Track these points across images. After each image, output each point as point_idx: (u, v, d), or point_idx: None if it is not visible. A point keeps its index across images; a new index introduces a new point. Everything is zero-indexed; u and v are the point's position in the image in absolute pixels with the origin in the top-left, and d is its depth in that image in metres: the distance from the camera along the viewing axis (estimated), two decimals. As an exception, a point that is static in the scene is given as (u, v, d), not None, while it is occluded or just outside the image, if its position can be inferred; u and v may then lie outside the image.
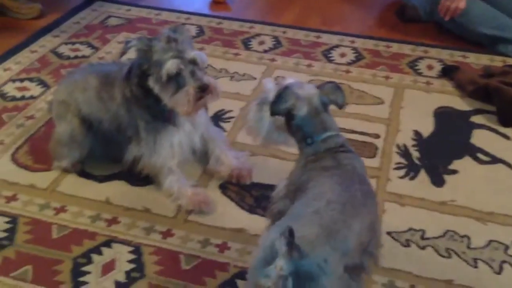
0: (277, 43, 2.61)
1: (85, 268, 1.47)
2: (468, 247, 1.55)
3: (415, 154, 1.90)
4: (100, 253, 1.52)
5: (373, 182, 1.77)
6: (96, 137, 1.74)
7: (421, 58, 2.50)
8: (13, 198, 1.70)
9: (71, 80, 1.78)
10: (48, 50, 2.51)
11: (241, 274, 1.45)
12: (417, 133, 2.00)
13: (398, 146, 1.93)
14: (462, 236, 1.59)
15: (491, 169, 1.85)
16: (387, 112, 2.11)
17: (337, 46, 2.60)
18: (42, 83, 2.27)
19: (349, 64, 2.45)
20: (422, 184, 1.78)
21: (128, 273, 1.46)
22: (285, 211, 1.25)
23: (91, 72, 1.76)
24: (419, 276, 1.47)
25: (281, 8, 3.02)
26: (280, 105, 1.29)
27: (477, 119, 2.09)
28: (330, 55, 2.52)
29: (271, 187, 1.72)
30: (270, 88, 1.36)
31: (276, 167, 1.84)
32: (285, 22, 2.84)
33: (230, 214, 1.66)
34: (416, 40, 2.66)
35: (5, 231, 1.58)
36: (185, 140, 1.70)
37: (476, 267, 1.50)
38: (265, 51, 2.54)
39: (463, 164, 1.86)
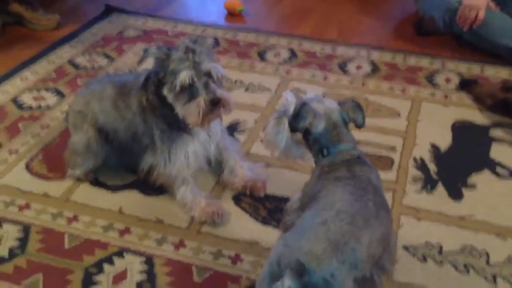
0: (293, 55, 2.61)
1: (96, 278, 1.46)
2: (487, 263, 1.51)
3: (432, 167, 1.87)
4: (111, 263, 1.50)
5: (389, 195, 1.74)
6: (111, 147, 1.74)
7: (438, 71, 2.47)
8: (26, 206, 1.69)
9: (88, 90, 1.79)
10: (65, 60, 2.53)
11: (254, 287, 1.43)
12: (434, 147, 1.97)
13: (415, 159, 1.90)
14: (481, 252, 1.55)
15: (510, 184, 1.81)
16: (403, 125, 2.08)
17: (353, 58, 2.58)
18: (58, 93, 2.28)
19: (365, 76, 2.43)
20: (439, 198, 1.74)
21: (139, 284, 1.44)
22: None
23: (107, 82, 1.77)
24: (436, 292, 1.43)
25: (297, 20, 3.02)
26: (298, 123, 1.29)
27: (496, 133, 2.05)
28: (346, 67, 2.50)
29: (285, 199, 1.71)
30: (290, 101, 1.36)
31: (291, 179, 1.82)
32: (301, 34, 2.83)
33: (243, 226, 1.64)
34: (434, 53, 2.63)
35: (17, 239, 1.58)
36: (200, 149, 1.69)
37: (495, 283, 1.46)
38: (281, 63, 2.53)
39: (482, 178, 1.82)
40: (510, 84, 2.25)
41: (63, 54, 2.59)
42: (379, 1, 3.27)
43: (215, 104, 1.52)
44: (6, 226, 1.62)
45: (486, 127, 2.09)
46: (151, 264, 1.50)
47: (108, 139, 1.73)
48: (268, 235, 1.59)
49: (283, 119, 1.36)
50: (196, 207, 1.65)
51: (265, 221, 1.65)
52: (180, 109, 1.55)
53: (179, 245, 1.56)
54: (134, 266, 1.49)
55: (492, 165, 1.88)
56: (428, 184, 1.80)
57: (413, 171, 1.85)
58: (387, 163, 1.89)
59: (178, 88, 1.51)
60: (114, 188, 1.77)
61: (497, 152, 1.95)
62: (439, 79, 2.41)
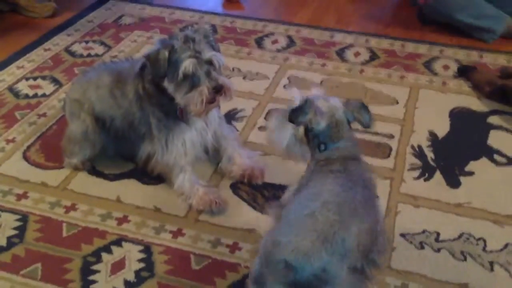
0: (291, 42, 2.59)
1: (94, 267, 1.46)
2: (484, 250, 1.52)
3: (430, 155, 1.87)
4: (110, 251, 1.51)
5: (387, 183, 1.74)
6: (108, 135, 1.74)
7: (437, 58, 2.46)
8: (24, 195, 1.69)
9: (85, 78, 1.78)
10: (62, 48, 2.51)
11: (252, 275, 1.44)
12: (432, 134, 1.97)
13: (412, 147, 1.90)
14: (478, 239, 1.55)
15: (508, 171, 1.81)
16: (401, 112, 2.08)
17: (351, 45, 2.57)
18: (55, 81, 2.27)
19: (363, 63, 2.42)
20: (437, 185, 1.74)
21: (137, 272, 1.45)
22: None
23: (104, 70, 1.76)
24: (433, 279, 1.43)
25: (295, 7, 3.00)
26: (297, 116, 1.28)
27: (494, 120, 2.05)
28: (344, 54, 2.49)
29: (283, 187, 1.71)
30: (296, 98, 1.35)
31: (288, 167, 1.81)
32: (299, 21, 2.81)
33: (241, 214, 1.64)
34: (432, 40, 2.62)
35: (15, 228, 1.58)
36: (197, 138, 1.69)
37: (492, 270, 1.46)
38: (279, 50, 2.52)
39: (480, 166, 1.82)
40: (508, 71, 2.24)
41: (60, 42, 2.57)
42: (378, -13, 3.24)
43: (218, 92, 1.53)
44: (4, 215, 1.62)
45: (484, 114, 2.08)
46: (149, 252, 1.50)
47: (105, 127, 1.72)
48: (266, 223, 1.59)
49: (287, 115, 1.34)
50: (194, 196, 1.65)
51: (263, 209, 1.65)
52: (181, 99, 1.55)
53: (177, 233, 1.57)
54: (132, 255, 1.50)
55: (490, 152, 1.88)
56: (426, 171, 1.80)
57: (411, 159, 1.85)
58: (385, 150, 1.89)
59: (180, 77, 1.50)
60: (112, 177, 1.77)
61: (495, 139, 1.94)
62: (438, 66, 2.40)
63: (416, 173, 1.79)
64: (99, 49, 2.51)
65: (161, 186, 1.73)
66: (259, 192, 1.71)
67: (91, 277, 1.43)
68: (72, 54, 2.47)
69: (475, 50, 2.52)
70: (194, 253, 1.50)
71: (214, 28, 2.69)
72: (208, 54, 1.53)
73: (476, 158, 1.85)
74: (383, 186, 1.73)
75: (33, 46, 2.52)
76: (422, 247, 1.52)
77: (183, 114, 1.62)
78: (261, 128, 1.99)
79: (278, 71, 2.34)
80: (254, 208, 1.65)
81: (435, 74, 2.34)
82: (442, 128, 2.00)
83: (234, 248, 1.52)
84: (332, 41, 2.60)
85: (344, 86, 2.23)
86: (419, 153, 1.87)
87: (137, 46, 2.53)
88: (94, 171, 1.78)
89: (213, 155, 1.80)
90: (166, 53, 1.51)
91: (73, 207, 1.65)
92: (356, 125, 1.34)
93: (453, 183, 1.75)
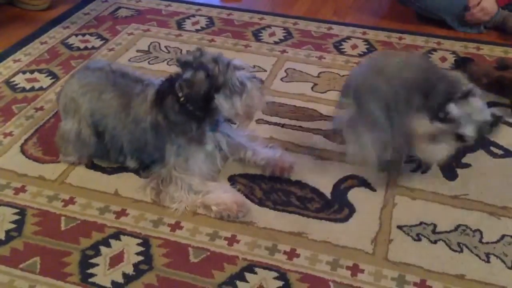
0: (288, 34, 2.59)
1: (93, 260, 1.46)
2: (480, 242, 1.53)
3: (427, 147, 1.87)
4: (108, 245, 1.51)
5: (383, 174, 1.74)
6: (105, 145, 1.72)
7: (434, 50, 2.46)
8: (21, 189, 1.69)
9: (86, 79, 1.73)
10: (58, 41, 2.51)
11: (250, 268, 1.44)
12: (429, 126, 1.97)
13: (409, 139, 1.91)
14: (474, 231, 1.56)
15: (504, 162, 1.82)
16: (398, 104, 2.08)
17: (348, 37, 2.56)
18: (51, 74, 2.26)
19: (360, 56, 2.42)
20: (434, 177, 1.75)
21: (136, 265, 1.45)
22: None
23: (108, 81, 1.70)
24: (430, 270, 1.44)
25: (292, -1, 2.99)
26: None
27: (491, 111, 2.05)
28: (341, 46, 2.49)
29: (281, 180, 1.72)
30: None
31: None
32: (296, 13, 2.81)
33: (239, 206, 1.64)
34: (429, 32, 2.62)
35: (13, 222, 1.58)
36: (210, 160, 1.70)
37: (488, 262, 1.47)
38: (276, 43, 2.51)
39: (476, 158, 1.83)
40: (505, 62, 2.24)
41: (56, 34, 2.56)
42: (375, -21, 3.23)
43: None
44: (2, 209, 1.62)
45: (481, 106, 2.08)
46: (147, 245, 1.51)
47: (103, 137, 1.70)
48: (264, 215, 1.60)
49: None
50: (220, 206, 1.60)
51: (261, 202, 1.65)
52: (241, 107, 1.59)
53: (176, 226, 1.57)
54: (130, 248, 1.50)
55: (486, 145, 1.89)
56: (423, 163, 1.80)
57: (408, 151, 1.86)
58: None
59: (238, 86, 1.57)
60: (110, 171, 1.76)
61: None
62: (435, 58, 2.40)
63: (413, 165, 1.79)
64: (96, 42, 2.50)
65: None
66: (257, 185, 1.71)
67: (90, 271, 1.44)
68: (69, 47, 2.46)
69: (472, 42, 2.52)
70: (192, 246, 1.51)
71: (211, 20, 2.69)
72: (237, 63, 1.60)
73: (473, 150, 1.86)
74: (380, 178, 1.73)
75: (30, 39, 2.51)
76: (419, 239, 1.53)
77: (203, 138, 1.65)
78: (258, 121, 1.99)
79: (276, 64, 2.34)
80: (252, 200, 1.66)
81: (432, 66, 2.34)
82: (439, 120, 2.00)
83: (232, 240, 1.53)
84: (329, 33, 2.60)
85: (342, 78, 2.23)
86: (416, 145, 1.88)
87: (134, 39, 2.52)
88: (92, 165, 1.78)
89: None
90: (202, 75, 1.54)
91: (71, 201, 1.65)
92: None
93: (450, 175, 1.76)
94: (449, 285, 1.41)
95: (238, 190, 1.69)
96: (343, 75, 2.25)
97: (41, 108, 2.05)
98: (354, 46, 2.49)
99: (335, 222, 1.59)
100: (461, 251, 1.50)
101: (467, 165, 1.80)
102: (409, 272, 1.44)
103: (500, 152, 1.86)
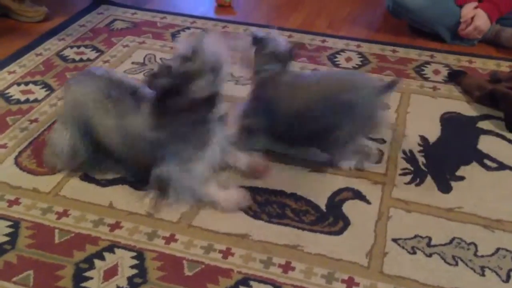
0: (283, 47, 2.60)
1: (87, 274, 1.45)
2: (475, 255, 1.53)
3: (421, 159, 1.88)
4: (102, 258, 1.50)
5: (378, 188, 1.75)
6: (103, 156, 1.73)
7: (427, 63, 2.48)
8: (15, 202, 1.68)
9: (86, 88, 1.71)
10: (53, 53, 2.51)
11: (245, 281, 1.44)
12: (423, 139, 1.98)
13: (404, 152, 1.91)
14: (469, 244, 1.56)
15: (498, 175, 1.83)
16: (393, 117, 2.09)
17: (342, 50, 2.58)
18: (46, 86, 2.26)
19: (355, 68, 2.43)
20: (428, 190, 1.76)
21: (130, 278, 1.44)
22: None
23: (108, 96, 1.67)
24: (425, 284, 1.44)
25: (287, 12, 3.01)
26: None
27: (484, 124, 2.07)
28: (335, 59, 2.50)
29: (276, 192, 1.72)
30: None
31: (280, 172, 1.82)
32: (291, 26, 2.83)
33: (234, 219, 1.64)
34: (423, 45, 2.64)
35: (7, 235, 1.57)
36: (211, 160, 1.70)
37: (483, 275, 1.48)
38: (271, 55, 2.52)
39: (470, 171, 1.84)
40: (497, 75, 2.26)
41: (51, 46, 2.56)
42: (369, -8, 3.27)
43: None
44: (-4, 222, 1.61)
45: (474, 118, 2.10)
46: (142, 258, 1.50)
47: (102, 150, 1.71)
48: (259, 228, 1.60)
49: None
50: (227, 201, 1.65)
51: (256, 215, 1.65)
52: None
53: (170, 239, 1.56)
54: (125, 261, 1.49)
55: (480, 157, 1.90)
56: (417, 176, 1.81)
57: (403, 163, 1.86)
58: (377, 155, 1.90)
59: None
60: (105, 183, 1.76)
61: (485, 144, 1.96)
62: (428, 71, 2.42)
63: (408, 178, 1.80)
64: (91, 54, 2.50)
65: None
66: (252, 197, 1.71)
67: (84, 284, 1.43)
68: (64, 59, 2.46)
69: (465, 55, 2.55)
70: (187, 259, 1.50)
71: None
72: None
73: (467, 163, 1.87)
74: (375, 191, 1.74)
75: (25, 51, 2.51)
76: (414, 252, 1.53)
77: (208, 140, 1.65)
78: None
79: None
80: (247, 213, 1.66)
81: (426, 79, 2.36)
82: (433, 133, 2.01)
83: (227, 253, 1.52)
84: (323, 46, 2.62)
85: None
86: (410, 158, 1.89)
87: (129, 51, 2.53)
88: (86, 177, 1.78)
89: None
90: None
91: (65, 213, 1.64)
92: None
93: (444, 188, 1.77)
94: (444, 298, 1.41)
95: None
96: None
97: (36, 120, 2.04)
98: (349, 59, 2.51)
99: (330, 234, 1.59)
100: (456, 264, 1.50)
101: (462, 178, 1.80)
102: (404, 286, 1.44)
103: (494, 165, 1.87)
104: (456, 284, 1.44)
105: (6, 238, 1.56)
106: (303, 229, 1.60)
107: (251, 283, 1.43)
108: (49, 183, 1.75)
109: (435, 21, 2.63)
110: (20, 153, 1.88)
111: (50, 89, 2.24)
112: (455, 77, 2.33)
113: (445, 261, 1.51)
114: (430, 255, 1.53)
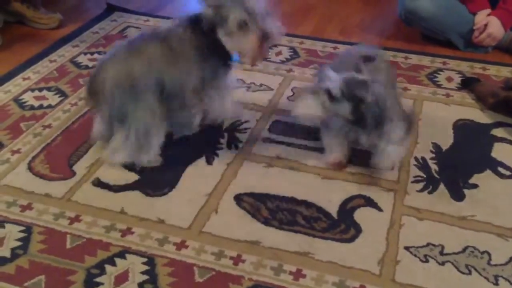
0: (294, 53, 2.60)
1: (98, 279, 1.46)
2: (489, 264, 1.51)
3: (434, 167, 1.87)
4: (113, 264, 1.51)
5: (390, 195, 1.74)
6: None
7: (440, 70, 2.47)
8: (28, 207, 1.70)
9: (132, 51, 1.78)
10: (67, 59, 2.53)
11: (255, 288, 1.44)
12: (436, 146, 1.97)
13: (416, 159, 1.90)
14: (483, 252, 1.55)
15: (512, 183, 1.81)
16: (405, 124, 2.08)
17: (354, 57, 2.57)
18: (60, 92, 2.28)
19: (367, 75, 2.42)
20: (441, 198, 1.74)
21: (141, 284, 1.45)
22: None
23: (149, 40, 1.80)
24: (438, 293, 1.43)
25: (298, 19, 3.01)
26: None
27: (498, 132, 2.05)
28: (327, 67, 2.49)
29: (287, 199, 1.71)
30: (334, 78, 1.62)
31: (292, 179, 1.82)
32: (303, 33, 2.83)
33: (245, 226, 1.64)
34: (435, 52, 2.63)
35: (19, 240, 1.58)
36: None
37: (496, 284, 1.46)
38: (282, 62, 2.53)
39: (484, 178, 1.82)
40: (511, 83, 2.24)
41: (65, 53, 2.59)
42: (381, -1, 3.27)
43: (266, 38, 1.75)
44: (8, 227, 1.62)
45: (488, 126, 2.08)
46: (152, 264, 1.50)
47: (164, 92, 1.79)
48: (270, 235, 1.60)
49: (320, 92, 1.63)
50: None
51: (266, 221, 1.65)
52: (234, 47, 1.78)
53: (181, 245, 1.57)
54: (135, 267, 1.49)
55: (493, 165, 1.88)
56: (430, 184, 1.79)
57: (415, 171, 1.85)
58: (389, 162, 1.89)
59: (235, 28, 1.72)
60: (117, 188, 1.77)
61: (499, 151, 1.94)
62: (441, 78, 2.40)
63: (420, 186, 1.79)
64: (104, 61, 2.52)
65: (165, 198, 1.73)
66: (263, 203, 1.71)
67: (95, 289, 1.43)
68: (78, 65, 2.49)
69: (479, 62, 2.53)
70: (197, 265, 1.50)
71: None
72: (253, 5, 1.73)
73: (480, 170, 1.85)
74: (387, 198, 1.73)
75: (39, 57, 2.53)
76: (427, 260, 1.52)
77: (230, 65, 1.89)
78: (265, 140, 1.99)
79: (282, 83, 2.35)
80: (258, 219, 1.65)
81: (439, 86, 2.34)
82: (446, 140, 2.00)
83: (237, 260, 1.52)
84: (335, 53, 2.61)
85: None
86: (423, 165, 1.88)
87: (142, 58, 2.54)
88: (99, 183, 1.79)
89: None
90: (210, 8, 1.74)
91: (77, 219, 1.65)
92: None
93: (457, 195, 1.75)
94: (457, 307, 1.40)
95: (244, 209, 1.69)
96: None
97: (49, 126, 2.06)
98: (361, 66, 2.50)
99: (342, 242, 1.58)
100: (470, 273, 1.49)
101: (475, 186, 1.79)
102: (417, 294, 1.42)
103: (507, 173, 1.85)
104: (469, 293, 1.43)
105: (19, 243, 1.57)
106: (314, 236, 1.60)
107: (262, 290, 1.43)
108: (62, 189, 1.77)
109: (449, 28, 2.62)
110: (33, 158, 1.90)
111: (63, 95, 2.26)
112: (468, 84, 2.31)
113: (458, 269, 1.49)
114: (443, 264, 1.51)
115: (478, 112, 2.16)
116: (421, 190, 1.77)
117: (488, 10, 2.54)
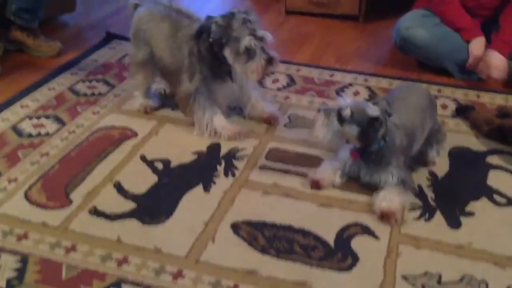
0: (291, 81, 2.63)
1: (94, 310, 1.45)
2: (486, 293, 1.51)
3: (430, 194, 1.87)
4: (109, 294, 1.50)
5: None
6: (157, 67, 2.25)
7: (435, 97, 2.48)
8: (24, 236, 1.69)
9: (151, 10, 2.24)
10: (66, 87, 2.55)
11: (252, 318, 1.42)
12: (432, 173, 1.98)
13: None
14: (480, 282, 1.54)
15: (508, 211, 1.81)
16: (401, 151, 2.09)
17: (350, 84, 2.60)
18: (58, 120, 2.29)
19: (363, 102, 2.44)
20: (438, 226, 1.74)
21: (137, 315, 1.44)
22: None
23: (166, 14, 2.19)
24: (435, 322, 1.42)
25: (295, 46, 3.05)
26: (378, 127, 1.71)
27: (493, 159, 2.06)
28: (343, 93, 2.52)
29: (284, 227, 1.71)
30: (344, 104, 1.73)
31: (289, 206, 1.82)
32: (300, 60, 2.86)
33: (242, 254, 1.63)
34: (430, 79, 2.66)
35: (15, 270, 1.57)
36: (228, 93, 2.17)
37: (495, 314, 1.45)
38: (279, 89, 2.55)
39: (480, 206, 1.82)
40: (505, 110, 2.27)
41: (64, 81, 2.61)
42: (377, 27, 3.31)
43: (270, 63, 1.98)
44: (4, 256, 1.61)
45: (483, 153, 2.10)
46: (149, 295, 1.50)
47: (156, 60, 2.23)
48: (267, 264, 1.59)
49: (331, 114, 1.74)
50: (223, 129, 2.14)
51: (263, 250, 1.64)
52: (240, 67, 2.00)
53: (177, 275, 1.56)
54: (132, 297, 1.49)
55: (489, 193, 1.89)
56: (426, 211, 1.80)
57: (411, 198, 1.85)
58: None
59: (242, 50, 1.95)
60: (113, 217, 1.77)
61: (494, 179, 1.95)
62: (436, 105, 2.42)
63: (417, 213, 1.79)
64: (103, 88, 2.54)
65: (161, 226, 1.73)
66: (260, 231, 1.71)
67: (90, 320, 1.42)
68: (76, 93, 2.50)
69: (473, 89, 2.56)
70: (194, 295, 1.49)
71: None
72: (261, 32, 1.97)
73: (476, 198, 1.86)
74: (384, 227, 1.73)
75: (38, 85, 2.55)
76: (424, 290, 1.52)
77: (226, 74, 2.11)
78: (262, 168, 2.00)
79: (279, 110, 2.37)
80: (255, 248, 1.65)
81: (434, 113, 2.36)
82: (442, 168, 2.01)
83: (234, 290, 1.51)
84: (331, 80, 2.64)
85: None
86: (419, 193, 1.88)
87: (140, 85, 2.56)
88: (96, 211, 1.79)
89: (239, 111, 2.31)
90: (227, 20, 1.97)
91: (73, 248, 1.65)
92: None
93: (454, 223, 1.75)
94: (455, 338, 1.38)
95: (241, 238, 1.69)
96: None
97: (47, 154, 2.07)
98: (356, 93, 2.52)
99: (339, 271, 1.57)
100: (467, 302, 1.48)
101: (471, 214, 1.79)
102: (414, 324, 1.41)
103: (504, 200, 1.85)
104: (467, 323, 1.42)
105: (14, 273, 1.56)
106: (312, 265, 1.59)
107: (259, 320, 1.42)
108: (58, 217, 1.76)
109: (444, 56, 2.65)
110: (30, 186, 1.90)
111: (61, 122, 2.27)
112: (463, 111, 2.33)
113: (455, 299, 1.49)
114: (440, 293, 1.51)
115: (473, 140, 2.18)
116: (418, 218, 1.77)
117: (482, 38, 2.58)
